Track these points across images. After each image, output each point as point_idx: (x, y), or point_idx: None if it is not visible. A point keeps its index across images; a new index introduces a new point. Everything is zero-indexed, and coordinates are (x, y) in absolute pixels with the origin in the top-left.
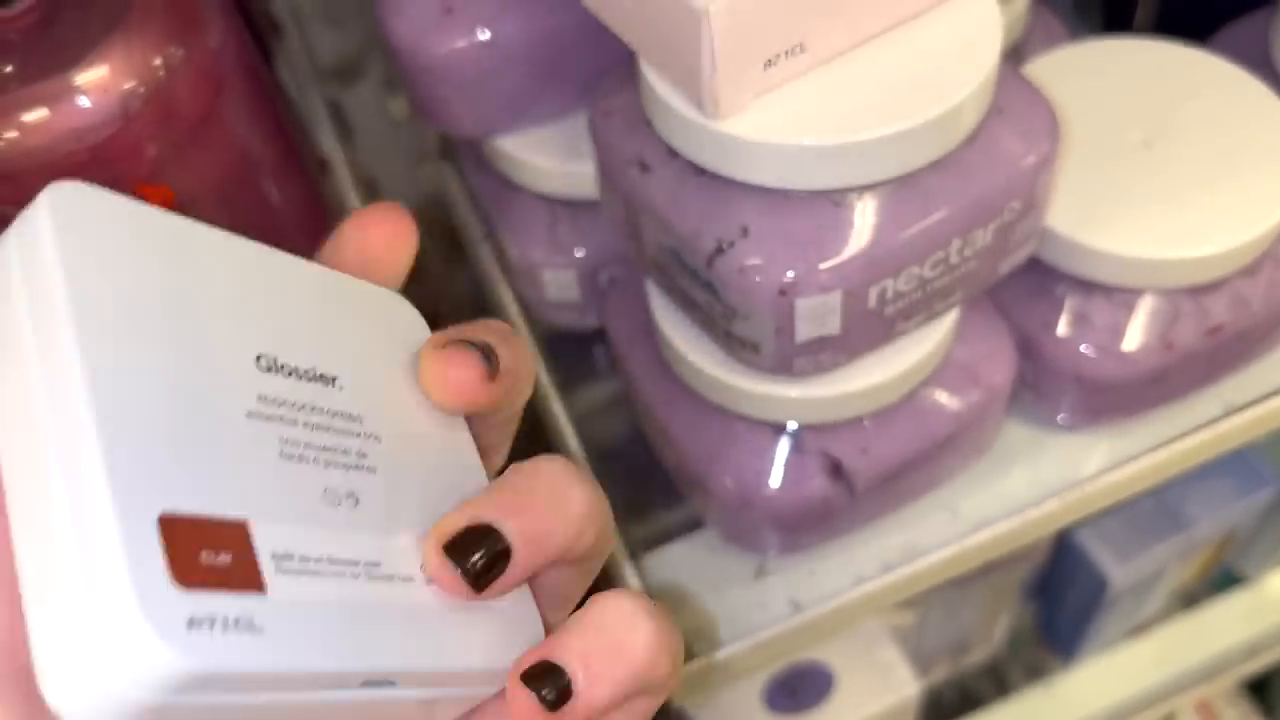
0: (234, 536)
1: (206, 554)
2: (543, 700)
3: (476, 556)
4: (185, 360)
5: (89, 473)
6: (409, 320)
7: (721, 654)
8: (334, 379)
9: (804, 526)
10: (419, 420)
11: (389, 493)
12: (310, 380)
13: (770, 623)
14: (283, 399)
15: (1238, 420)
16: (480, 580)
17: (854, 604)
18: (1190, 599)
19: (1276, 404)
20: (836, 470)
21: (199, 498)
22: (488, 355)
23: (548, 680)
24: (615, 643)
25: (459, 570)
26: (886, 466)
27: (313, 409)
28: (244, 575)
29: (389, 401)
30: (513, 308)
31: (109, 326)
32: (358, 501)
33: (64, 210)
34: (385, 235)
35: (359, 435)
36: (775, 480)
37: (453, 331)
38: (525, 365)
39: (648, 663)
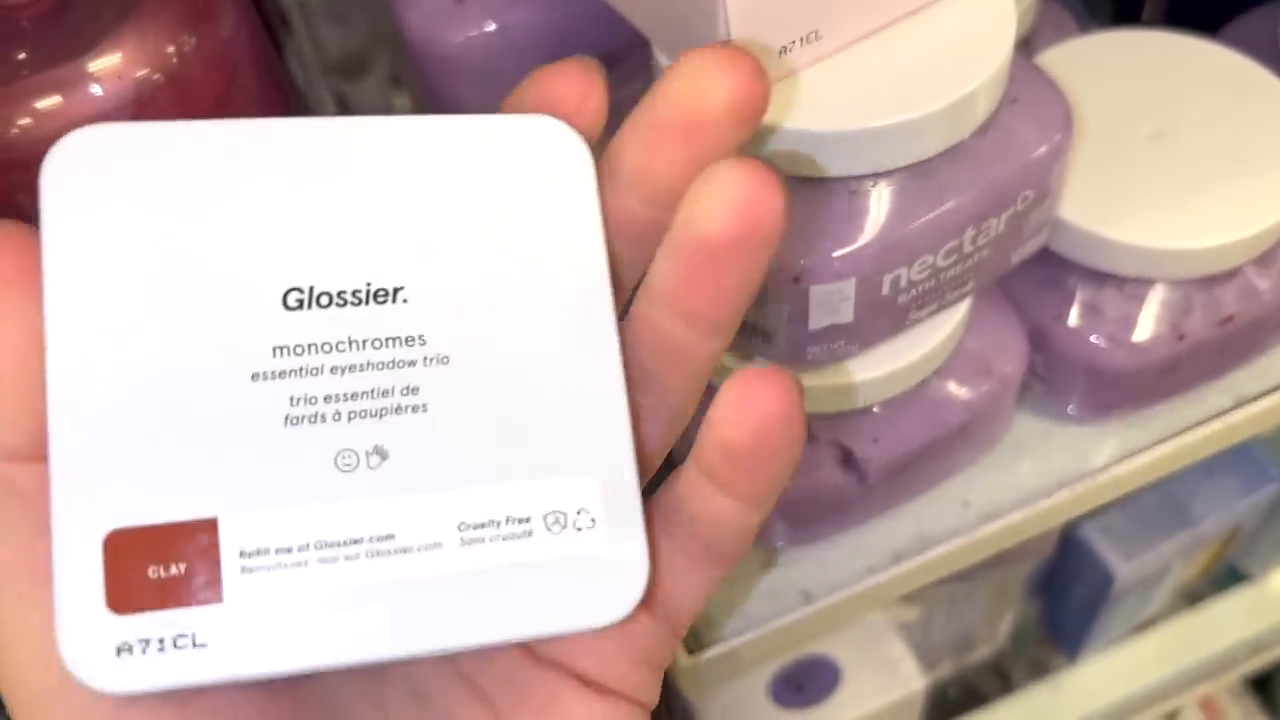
0: (196, 540)
1: (155, 569)
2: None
3: None
4: (182, 324)
5: (51, 487)
6: (561, 146)
7: (732, 644)
8: (395, 291)
9: (815, 516)
10: (542, 293)
11: (441, 433)
12: (358, 304)
13: (781, 613)
14: (309, 342)
15: (1249, 411)
16: None
17: (865, 594)
18: (1194, 596)
19: None
20: (847, 459)
21: (160, 502)
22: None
23: None
24: None
25: None
26: (897, 456)
27: (350, 344)
28: (198, 585)
29: (491, 291)
30: None
31: (93, 301)
32: (385, 456)
33: (65, 164)
34: (575, 95)
35: (414, 364)
36: None
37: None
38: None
39: None
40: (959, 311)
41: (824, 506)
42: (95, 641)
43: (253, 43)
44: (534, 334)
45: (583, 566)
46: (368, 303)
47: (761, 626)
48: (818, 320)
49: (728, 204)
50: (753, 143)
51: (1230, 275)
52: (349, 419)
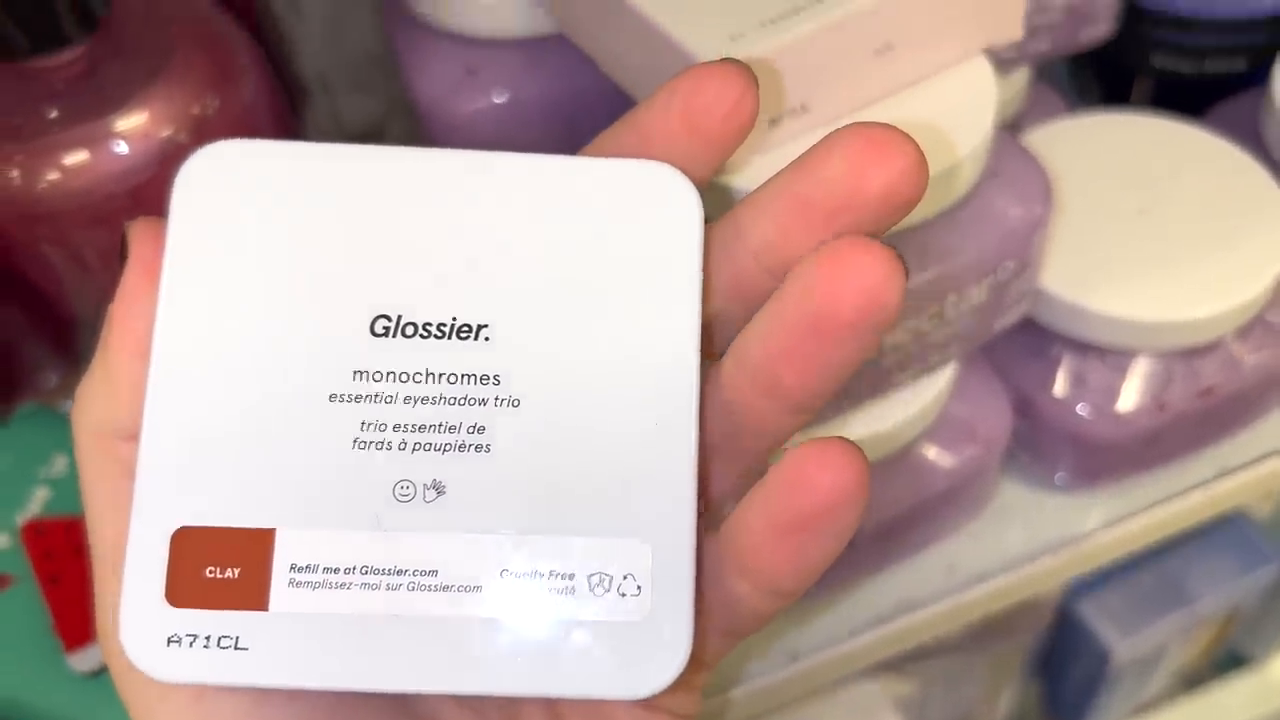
0: (253, 548)
1: (212, 569)
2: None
3: None
4: (274, 338)
5: (136, 477)
6: (675, 201)
7: (717, 701)
8: (479, 329)
9: None
10: (626, 349)
11: (500, 476)
12: (441, 337)
13: (767, 671)
14: (386, 369)
15: (1233, 482)
16: None
17: (851, 655)
18: (1195, 679)
19: (1269, 467)
20: None
21: (227, 506)
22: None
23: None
24: None
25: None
26: (883, 517)
27: (426, 376)
28: (247, 591)
29: (576, 339)
30: None
31: (201, 308)
32: (441, 492)
33: (198, 174)
34: (727, 103)
35: (485, 403)
36: None
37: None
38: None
39: None
40: (944, 377)
41: None
42: (150, 629)
43: (273, 108)
44: (610, 389)
45: (620, 633)
46: (451, 337)
47: (748, 685)
48: None
49: (854, 286)
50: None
51: (1211, 348)
52: (413, 450)
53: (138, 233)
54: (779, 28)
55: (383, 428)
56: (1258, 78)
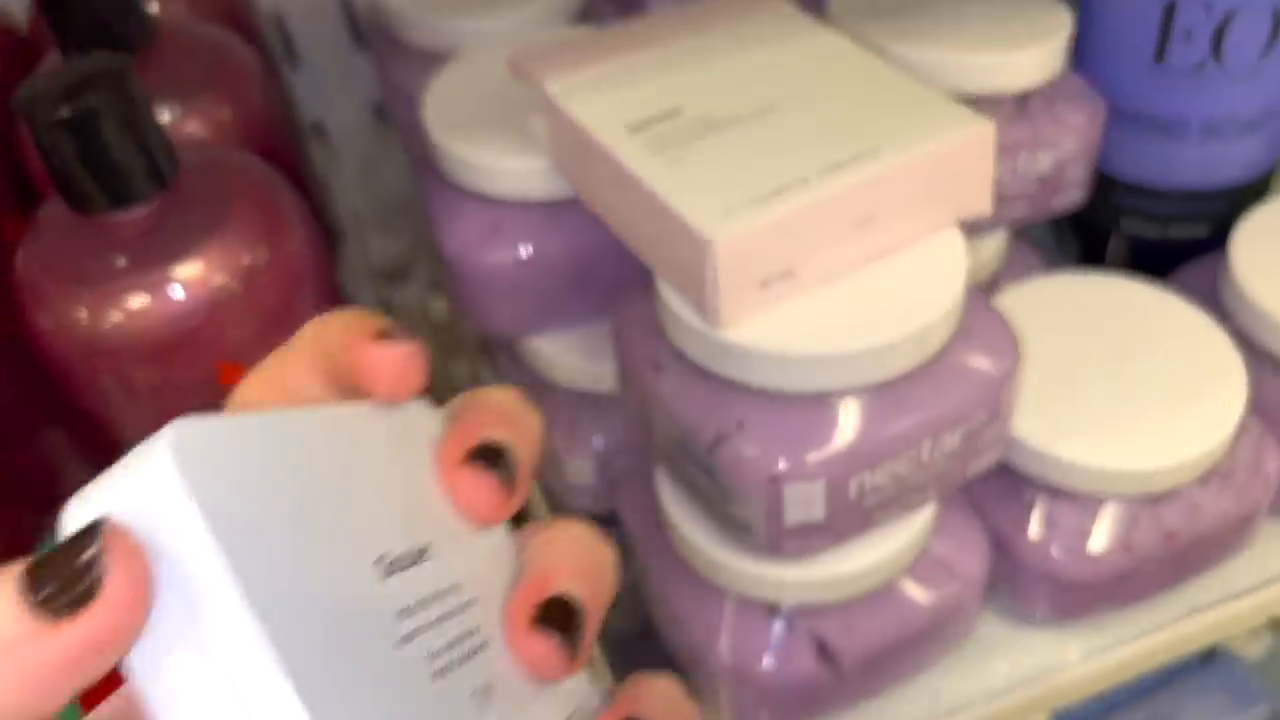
0: None
1: None
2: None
3: (562, 628)
4: (334, 611)
5: None
6: (427, 420)
7: None
8: (425, 549)
9: (793, 704)
10: (473, 536)
11: (503, 664)
12: (417, 564)
13: None
14: (413, 603)
15: (1203, 620)
16: (577, 650)
17: None
18: None
19: (1237, 607)
20: (823, 650)
21: None
22: (506, 464)
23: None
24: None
25: (555, 643)
26: (870, 648)
27: (434, 599)
28: None
29: (458, 538)
30: (535, 491)
31: (266, 582)
32: (490, 691)
33: (186, 457)
34: (391, 377)
35: (466, 607)
36: (768, 658)
37: (462, 433)
38: (535, 446)
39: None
40: (925, 517)
41: (802, 695)
42: None
43: (316, 254)
44: (494, 580)
45: None
46: (420, 563)
47: None
48: (792, 516)
49: None
50: (742, 360)
51: (1173, 494)
52: (463, 662)
53: (116, 566)
54: (769, 203)
55: (439, 653)
56: (1219, 242)
